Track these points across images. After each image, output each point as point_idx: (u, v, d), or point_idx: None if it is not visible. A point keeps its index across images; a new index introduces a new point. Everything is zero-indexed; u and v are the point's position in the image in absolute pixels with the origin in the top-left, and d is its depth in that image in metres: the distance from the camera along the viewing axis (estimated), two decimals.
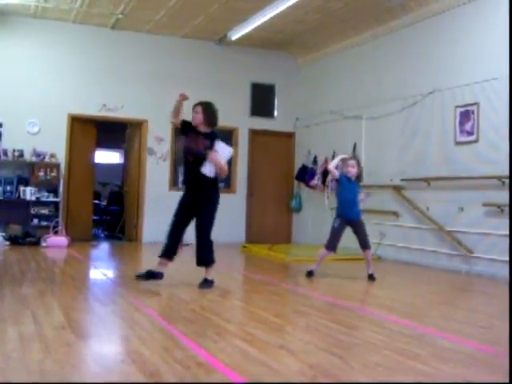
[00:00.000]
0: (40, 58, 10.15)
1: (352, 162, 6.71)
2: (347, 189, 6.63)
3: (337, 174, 6.69)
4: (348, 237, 6.75)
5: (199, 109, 5.62)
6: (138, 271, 5.92)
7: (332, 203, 10.01)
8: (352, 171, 6.60)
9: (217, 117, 5.70)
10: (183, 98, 5.55)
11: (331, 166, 6.71)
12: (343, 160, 6.84)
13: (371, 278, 6.59)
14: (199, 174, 5.53)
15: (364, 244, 6.66)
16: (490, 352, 3.53)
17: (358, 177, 6.75)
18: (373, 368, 3.09)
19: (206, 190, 5.62)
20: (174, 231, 5.68)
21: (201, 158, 5.53)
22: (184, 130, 5.70)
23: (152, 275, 5.67)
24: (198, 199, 5.62)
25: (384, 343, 3.65)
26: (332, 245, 6.62)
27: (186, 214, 5.67)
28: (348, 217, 6.61)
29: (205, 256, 5.66)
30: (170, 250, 5.67)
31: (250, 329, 3.97)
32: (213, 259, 5.70)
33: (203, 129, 5.64)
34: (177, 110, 5.65)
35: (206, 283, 5.61)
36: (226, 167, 5.64)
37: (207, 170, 5.53)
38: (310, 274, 6.65)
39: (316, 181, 10.55)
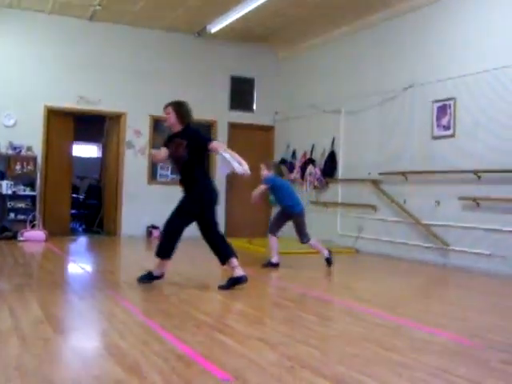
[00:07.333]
0: (16, 49, 10.00)
1: None
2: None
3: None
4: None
5: (170, 109, 5.35)
6: None
7: (311, 196, 10.12)
8: None
9: (186, 112, 5.39)
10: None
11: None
12: None
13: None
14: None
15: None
16: (466, 343, 3.59)
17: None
18: (350, 359, 3.12)
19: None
20: None
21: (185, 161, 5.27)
22: (165, 145, 5.44)
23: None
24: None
25: (361, 335, 3.70)
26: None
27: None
28: None
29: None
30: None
31: (228, 321, 3.99)
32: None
33: (178, 128, 5.38)
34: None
35: None
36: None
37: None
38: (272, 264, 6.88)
39: (295, 174, 10.58)
